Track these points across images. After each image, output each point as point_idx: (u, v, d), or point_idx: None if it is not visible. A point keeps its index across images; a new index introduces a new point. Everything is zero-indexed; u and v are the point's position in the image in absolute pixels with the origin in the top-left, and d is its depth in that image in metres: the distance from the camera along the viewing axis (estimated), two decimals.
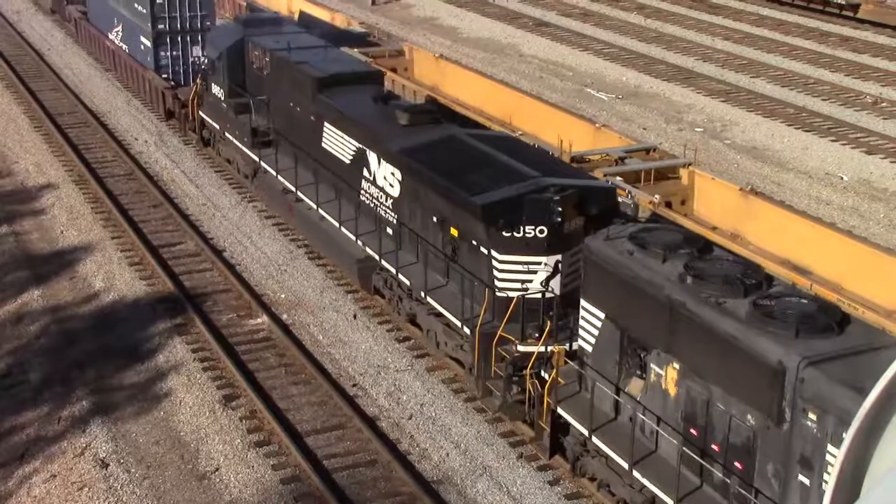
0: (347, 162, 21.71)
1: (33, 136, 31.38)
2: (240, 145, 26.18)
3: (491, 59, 40.53)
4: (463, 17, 47.61)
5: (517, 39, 43.42)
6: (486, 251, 17.25)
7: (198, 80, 29.36)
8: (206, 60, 29.33)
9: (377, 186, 20.58)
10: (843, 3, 46.68)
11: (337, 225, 21.65)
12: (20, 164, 29.21)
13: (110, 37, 37.22)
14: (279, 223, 25.09)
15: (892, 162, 29.43)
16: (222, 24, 29.36)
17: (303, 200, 23.21)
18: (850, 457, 7.54)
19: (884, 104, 34.63)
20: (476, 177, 17.88)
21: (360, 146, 21.17)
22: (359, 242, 20.91)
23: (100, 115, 33.06)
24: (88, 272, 22.78)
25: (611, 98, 35.64)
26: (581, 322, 15.47)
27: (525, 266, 16.92)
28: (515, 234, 16.81)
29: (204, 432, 17.17)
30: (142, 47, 33.49)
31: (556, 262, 16.94)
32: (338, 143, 22.16)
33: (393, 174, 19.93)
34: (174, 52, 32.61)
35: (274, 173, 24.40)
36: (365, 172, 21.01)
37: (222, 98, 26.80)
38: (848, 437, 8.01)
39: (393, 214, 20.06)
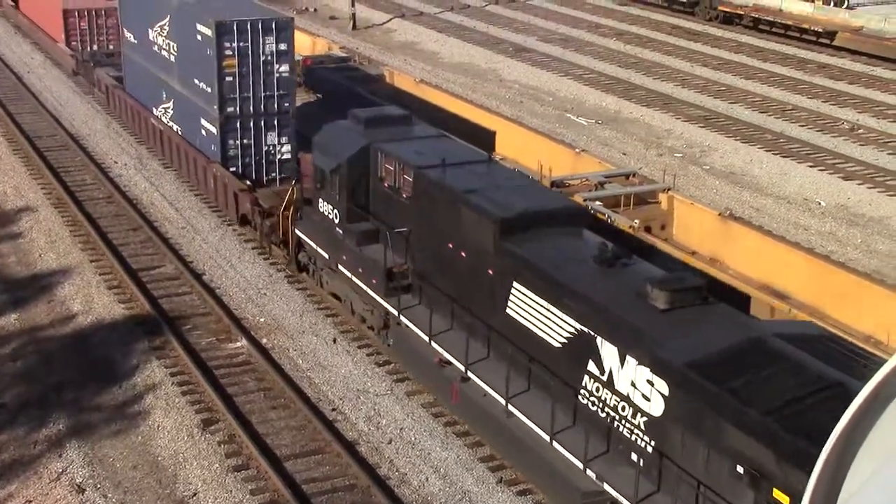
0: (556, 345, 15.33)
1: (12, 160, 31.25)
2: (362, 285, 19.89)
3: (472, 83, 40.71)
4: (444, 42, 47.84)
5: (498, 64, 43.65)
6: None
7: (292, 187, 23.27)
8: (300, 160, 24.43)
9: (616, 393, 14.30)
10: (820, 30, 47.18)
11: (544, 435, 15.32)
12: None
13: (156, 113, 30.79)
14: (259, 247, 25.04)
15: (869, 188, 29.68)
16: (335, 124, 21.54)
17: (472, 381, 16.96)
18: (824, 476, 7.57)
19: (860, 130, 34.95)
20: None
21: (584, 329, 14.80)
22: (589, 472, 14.58)
23: (79, 137, 32.96)
24: (67, 295, 22.65)
25: (590, 123, 35.83)
26: None
27: None
28: None
29: (182, 457, 17.06)
30: (203, 132, 27.20)
31: None
32: (538, 316, 15.69)
33: (651, 383, 13.69)
34: (245, 140, 26.28)
35: (425, 338, 18.05)
36: (591, 367, 14.70)
37: (336, 221, 20.55)
38: (822, 454, 8.03)
39: (646, 439, 13.88)
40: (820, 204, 28.85)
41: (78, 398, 18.72)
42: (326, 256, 21.33)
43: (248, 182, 25.84)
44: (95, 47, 39.26)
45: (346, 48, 44.12)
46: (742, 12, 50.99)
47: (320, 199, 21.18)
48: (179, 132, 29.15)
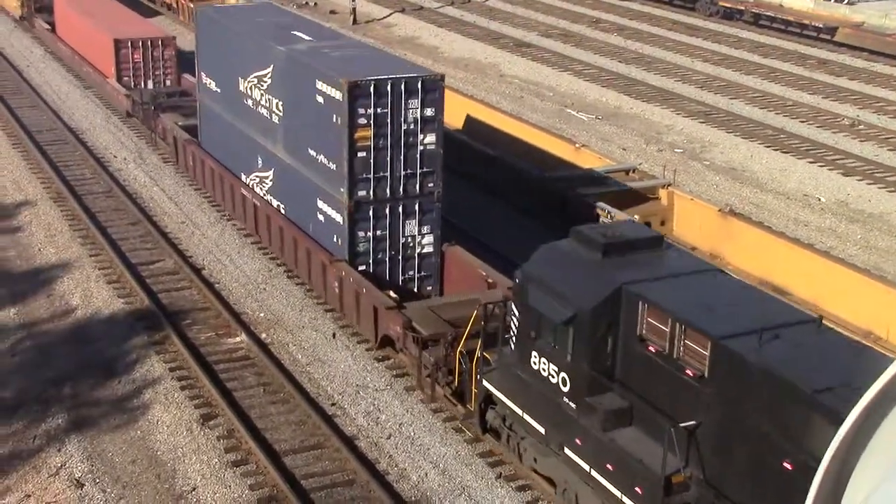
0: None
1: (11, 154, 31.22)
2: (611, 487, 14.15)
3: (472, 79, 40.65)
4: (444, 36, 47.78)
5: (498, 59, 43.59)
6: None
7: (476, 316, 17.17)
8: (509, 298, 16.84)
9: None
10: (821, 26, 47.12)
11: None
12: None
13: (246, 180, 25.17)
14: (258, 241, 25.00)
15: (869, 184, 29.66)
16: (555, 248, 15.70)
17: None
18: (825, 486, 7.57)
19: (861, 126, 34.92)
20: None
21: None
22: None
23: (79, 132, 32.94)
24: (66, 290, 22.64)
25: (591, 118, 35.79)
26: None
27: None
28: None
29: (181, 451, 17.06)
30: (321, 217, 21.68)
31: None
32: None
33: None
34: (378, 231, 20.78)
35: None
36: None
37: (564, 388, 14.84)
38: (822, 465, 8.01)
39: None
40: (820, 200, 28.84)
41: (77, 393, 18.72)
42: (542, 431, 15.46)
43: (393, 293, 20.05)
44: (151, 84, 34.09)
45: None
46: (743, 8, 50.93)
47: (534, 351, 15.33)
48: (283, 210, 23.53)
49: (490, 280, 19.83)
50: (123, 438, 17.44)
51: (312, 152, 21.52)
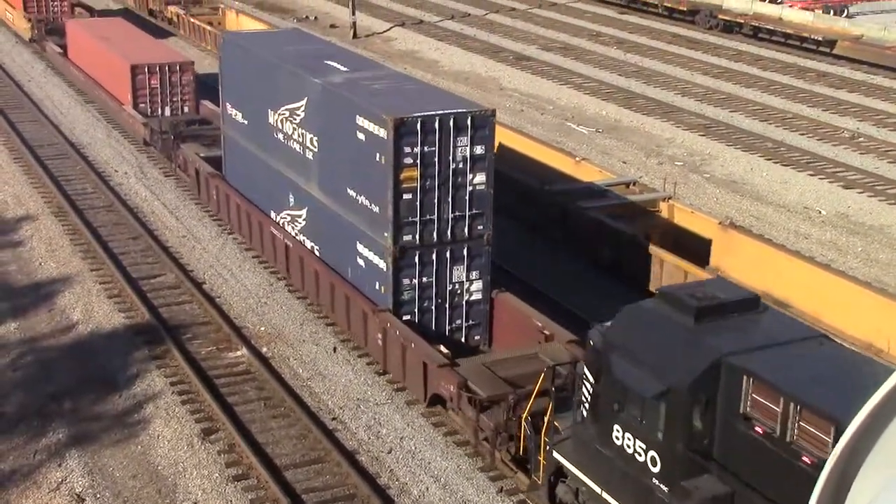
0: None
1: (12, 168, 31.27)
2: None
3: (472, 92, 40.70)
4: (444, 50, 47.90)
5: (498, 73, 43.69)
6: None
7: (543, 380, 15.76)
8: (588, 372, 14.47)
9: None
10: (820, 39, 47.25)
11: None
12: None
13: (276, 218, 23.82)
14: (259, 255, 25.01)
15: (869, 196, 29.69)
16: (642, 309, 13.96)
17: None
18: (826, 494, 7.58)
19: (861, 139, 34.98)
20: None
21: None
22: None
23: (80, 146, 32.98)
24: (67, 304, 22.64)
25: (591, 132, 35.85)
26: None
27: None
28: None
29: (182, 466, 17.04)
30: (361, 262, 20.35)
31: None
32: None
33: None
34: (424, 278, 19.44)
35: None
36: None
37: (653, 467, 13.16)
38: (824, 473, 8.03)
39: None
40: (820, 212, 28.86)
41: (78, 407, 18.71)
42: None
43: (444, 348, 18.58)
44: (168, 111, 32.80)
45: None
46: (742, 21, 51.06)
47: (616, 425, 13.66)
48: (317, 252, 22.20)
49: (546, 332, 18.43)
50: (124, 453, 17.42)
51: (352, 192, 20.14)
